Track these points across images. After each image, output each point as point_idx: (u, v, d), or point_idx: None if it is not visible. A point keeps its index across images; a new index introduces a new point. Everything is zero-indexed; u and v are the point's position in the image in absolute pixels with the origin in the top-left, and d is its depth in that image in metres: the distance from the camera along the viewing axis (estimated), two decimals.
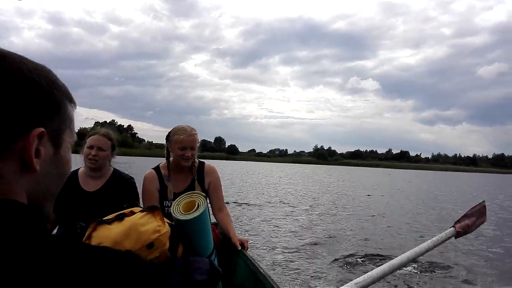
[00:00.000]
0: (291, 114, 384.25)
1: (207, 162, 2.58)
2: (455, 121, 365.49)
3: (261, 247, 6.36)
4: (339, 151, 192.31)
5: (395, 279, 4.96)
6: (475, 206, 2.72)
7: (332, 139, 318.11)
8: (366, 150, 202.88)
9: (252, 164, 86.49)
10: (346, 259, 5.95)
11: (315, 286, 4.57)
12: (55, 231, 2.35)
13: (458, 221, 2.54)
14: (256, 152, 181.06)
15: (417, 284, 4.91)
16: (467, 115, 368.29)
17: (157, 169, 2.46)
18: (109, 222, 1.70)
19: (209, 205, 2.40)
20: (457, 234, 2.47)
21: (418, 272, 5.38)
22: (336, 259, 5.91)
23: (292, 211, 11.08)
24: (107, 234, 1.64)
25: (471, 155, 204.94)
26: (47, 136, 0.50)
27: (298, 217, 10.00)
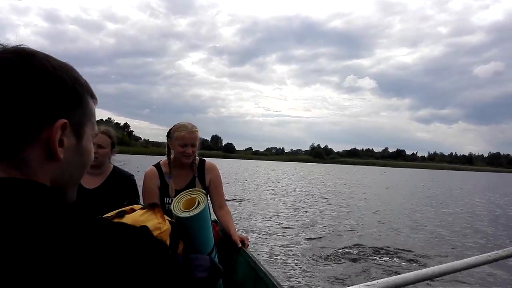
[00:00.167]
0: (288, 113, 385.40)
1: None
2: (451, 120, 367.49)
3: (260, 244, 6.36)
4: (335, 150, 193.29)
5: None
6: None
7: (328, 137, 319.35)
8: (362, 149, 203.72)
9: (249, 162, 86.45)
10: (346, 256, 5.97)
11: (316, 284, 4.56)
12: None
13: None
14: (253, 150, 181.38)
15: None
16: (463, 114, 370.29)
17: (157, 166, 2.45)
18: (109, 219, 1.69)
19: (209, 202, 2.40)
20: None
21: None
22: (335, 256, 5.93)
23: (291, 209, 11.09)
24: None
25: (467, 154, 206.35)
26: (70, 128, 0.55)
27: (296, 215, 10.01)
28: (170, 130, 2.41)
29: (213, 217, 2.51)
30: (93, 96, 0.62)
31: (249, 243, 2.40)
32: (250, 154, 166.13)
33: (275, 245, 6.47)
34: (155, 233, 1.69)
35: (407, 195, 18.34)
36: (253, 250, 5.46)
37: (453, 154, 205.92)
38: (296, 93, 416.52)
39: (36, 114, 0.51)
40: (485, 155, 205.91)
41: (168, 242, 1.75)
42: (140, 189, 2.44)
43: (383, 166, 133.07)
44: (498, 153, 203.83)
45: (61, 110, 0.54)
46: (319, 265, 5.42)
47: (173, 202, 2.02)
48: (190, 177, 2.45)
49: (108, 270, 0.46)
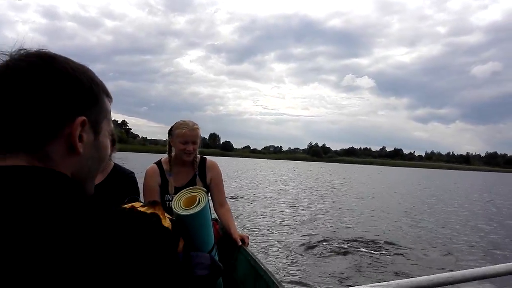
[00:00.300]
0: (286, 111, 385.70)
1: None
2: (448, 120, 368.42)
3: (259, 242, 6.36)
4: (333, 148, 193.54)
5: None
6: None
7: (326, 136, 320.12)
8: (360, 148, 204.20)
9: (247, 160, 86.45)
10: (345, 253, 5.99)
11: (315, 280, 4.57)
12: None
13: None
14: (251, 148, 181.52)
15: None
16: (461, 114, 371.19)
17: (159, 163, 2.45)
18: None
19: (210, 200, 2.39)
20: None
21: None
22: (335, 253, 5.95)
23: (289, 206, 11.11)
24: None
25: (464, 153, 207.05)
26: (88, 124, 0.60)
27: (295, 212, 10.03)
28: (172, 127, 2.41)
29: (214, 215, 2.51)
30: (108, 95, 0.67)
31: (249, 242, 2.41)
32: (248, 152, 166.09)
33: (274, 243, 6.49)
34: None
35: (403, 194, 18.40)
36: (253, 248, 5.48)
37: (451, 153, 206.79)
38: (294, 92, 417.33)
39: (58, 112, 0.56)
40: (482, 154, 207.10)
41: None
42: (140, 186, 2.44)
43: (380, 165, 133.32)
44: (495, 152, 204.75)
45: (80, 109, 0.59)
46: (318, 262, 5.44)
47: (173, 199, 2.01)
48: (191, 174, 2.44)
49: (119, 254, 0.50)
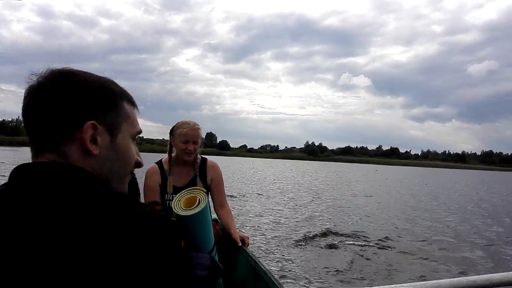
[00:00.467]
0: (283, 110, 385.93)
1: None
2: (444, 118, 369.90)
3: (258, 242, 6.35)
4: (330, 147, 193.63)
5: None
6: None
7: (323, 135, 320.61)
8: (356, 147, 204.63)
9: (244, 160, 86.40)
10: (344, 253, 5.98)
11: (316, 281, 4.56)
12: None
13: None
14: (248, 148, 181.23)
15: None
16: (457, 113, 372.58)
17: (159, 163, 2.44)
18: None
19: (210, 201, 2.39)
20: None
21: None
22: (334, 252, 5.95)
23: (287, 205, 11.11)
24: None
25: (460, 152, 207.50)
26: (103, 127, 0.67)
27: (293, 211, 10.03)
28: (173, 127, 2.42)
29: (214, 215, 2.50)
30: (131, 102, 0.74)
31: (249, 242, 2.40)
32: (244, 151, 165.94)
33: (273, 242, 6.49)
34: None
35: (401, 192, 18.46)
36: (253, 246, 5.46)
37: (446, 152, 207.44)
38: (290, 91, 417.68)
39: (70, 117, 0.65)
40: (478, 153, 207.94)
41: None
42: (141, 186, 2.43)
43: (376, 164, 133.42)
44: (491, 151, 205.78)
45: (91, 113, 0.66)
46: (318, 262, 5.43)
47: (173, 200, 2.00)
48: (191, 175, 2.44)
49: (126, 248, 0.57)
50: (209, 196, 2.44)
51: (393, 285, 1.49)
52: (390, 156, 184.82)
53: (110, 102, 0.70)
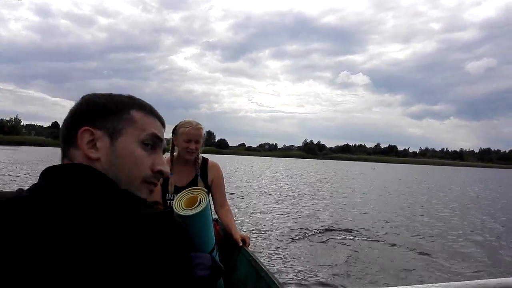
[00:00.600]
0: (281, 108, 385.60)
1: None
2: (443, 116, 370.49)
3: (258, 241, 6.34)
4: (328, 145, 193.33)
5: None
6: None
7: (321, 133, 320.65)
8: (355, 145, 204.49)
9: (242, 158, 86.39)
10: (343, 253, 5.97)
11: (317, 280, 4.54)
12: None
13: None
14: (246, 146, 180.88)
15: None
16: (455, 110, 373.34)
17: None
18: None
19: (211, 201, 2.39)
20: None
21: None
22: (334, 252, 5.94)
23: (286, 203, 11.11)
24: None
25: (458, 150, 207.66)
26: (102, 132, 0.72)
27: (293, 209, 10.03)
28: (176, 126, 2.44)
29: (214, 215, 2.50)
30: (144, 110, 0.78)
31: (250, 242, 2.40)
32: (243, 150, 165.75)
33: (273, 240, 6.48)
34: None
35: (397, 190, 18.49)
36: (252, 243, 5.45)
37: (445, 149, 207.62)
38: (289, 89, 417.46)
39: (70, 125, 0.74)
40: (476, 150, 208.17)
41: None
42: None
43: (375, 161, 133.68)
44: (489, 148, 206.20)
45: (88, 120, 0.73)
46: (320, 260, 5.41)
47: (174, 200, 2.00)
48: (192, 175, 2.45)
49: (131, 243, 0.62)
50: (210, 196, 2.44)
51: (402, 287, 1.48)
52: (389, 153, 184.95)
53: (112, 109, 0.74)
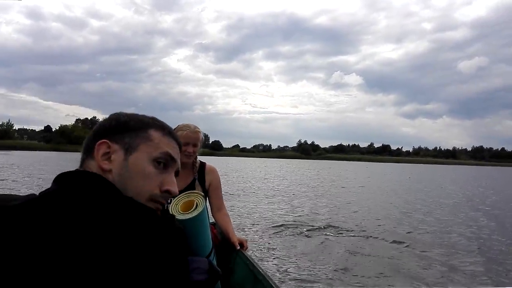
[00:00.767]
0: (275, 109, 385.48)
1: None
2: (435, 115, 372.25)
3: (255, 243, 6.31)
4: (322, 146, 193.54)
5: None
6: None
7: (315, 133, 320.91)
8: (348, 144, 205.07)
9: (236, 159, 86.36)
10: (342, 256, 5.95)
11: (315, 285, 4.52)
12: None
13: None
14: (240, 147, 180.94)
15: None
16: (448, 109, 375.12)
17: None
18: None
19: (208, 205, 2.38)
20: None
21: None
22: (334, 255, 5.92)
23: (282, 204, 11.10)
24: None
25: (451, 148, 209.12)
26: (119, 146, 0.78)
27: (289, 211, 10.03)
28: (174, 129, 2.41)
29: (211, 219, 2.49)
30: (163, 131, 0.84)
31: (247, 246, 2.39)
32: (237, 151, 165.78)
33: (270, 243, 6.46)
34: None
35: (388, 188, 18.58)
36: (253, 253, 5.43)
37: (438, 148, 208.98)
38: (283, 90, 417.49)
39: (91, 138, 0.80)
40: (469, 149, 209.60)
41: None
42: None
43: (368, 161, 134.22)
44: (481, 146, 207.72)
45: (107, 134, 0.79)
46: (317, 263, 5.39)
47: (171, 204, 1.98)
48: (190, 178, 2.43)
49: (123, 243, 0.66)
50: (207, 200, 2.43)
51: None
52: (382, 153, 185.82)
53: (132, 126, 0.80)
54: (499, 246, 6.95)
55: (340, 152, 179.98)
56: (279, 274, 4.80)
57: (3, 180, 14.26)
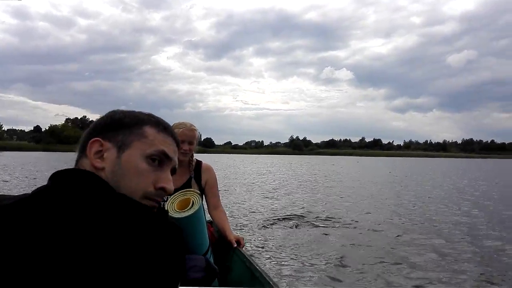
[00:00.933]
0: (266, 106, 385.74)
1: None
2: (425, 108, 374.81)
3: (250, 240, 6.31)
4: (314, 141, 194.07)
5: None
6: None
7: (307, 129, 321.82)
8: (340, 139, 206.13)
9: (228, 156, 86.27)
10: (339, 251, 5.94)
11: (314, 283, 4.51)
12: None
13: None
14: (232, 144, 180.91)
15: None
16: (438, 102, 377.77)
17: None
18: None
19: (204, 203, 2.38)
20: None
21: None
22: (331, 250, 5.90)
23: (275, 202, 11.13)
24: None
25: (441, 141, 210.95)
26: (112, 144, 0.76)
27: (285, 206, 10.05)
28: None
29: (208, 218, 2.49)
30: (158, 127, 0.81)
31: (244, 243, 2.39)
32: (229, 148, 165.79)
33: (266, 240, 6.46)
34: None
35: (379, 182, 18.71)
36: (250, 250, 5.43)
37: (428, 141, 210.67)
38: (273, 86, 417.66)
39: (85, 136, 0.78)
40: (459, 141, 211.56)
41: None
42: None
43: (360, 155, 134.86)
44: (471, 139, 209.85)
45: (100, 132, 0.77)
46: (314, 261, 5.36)
47: (167, 202, 1.98)
48: (186, 177, 2.43)
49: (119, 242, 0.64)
50: (203, 198, 2.43)
51: None
52: (373, 147, 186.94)
53: (126, 123, 0.78)
54: (487, 230, 7.07)
55: (332, 147, 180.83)
56: (275, 269, 4.81)
57: None
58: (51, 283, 0.57)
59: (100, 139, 0.76)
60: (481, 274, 4.87)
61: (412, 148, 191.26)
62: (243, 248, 2.34)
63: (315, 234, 7.03)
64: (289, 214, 9.01)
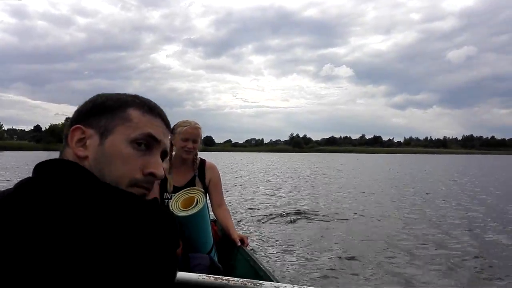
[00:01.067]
0: (266, 103, 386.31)
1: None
2: (425, 105, 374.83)
3: (254, 239, 6.30)
4: (314, 138, 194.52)
5: None
6: None
7: (307, 126, 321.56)
8: (340, 137, 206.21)
9: (229, 154, 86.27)
10: (343, 249, 5.92)
11: (318, 282, 4.50)
12: None
13: None
14: (232, 142, 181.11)
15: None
16: (438, 99, 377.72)
17: None
18: None
19: (208, 202, 2.39)
20: None
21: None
22: (334, 248, 5.88)
23: (279, 200, 11.13)
24: None
25: (441, 138, 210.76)
26: (94, 130, 0.71)
27: (286, 203, 10.05)
28: (174, 126, 2.43)
29: (212, 216, 2.49)
30: (142, 107, 0.75)
31: (248, 242, 2.39)
32: (229, 146, 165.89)
33: (269, 237, 6.45)
34: None
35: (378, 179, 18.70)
36: (255, 249, 5.42)
37: (428, 138, 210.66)
38: (273, 84, 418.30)
39: (71, 124, 0.73)
40: (459, 138, 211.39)
41: None
42: None
43: (360, 152, 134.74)
44: (472, 135, 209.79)
45: (81, 118, 0.73)
46: (317, 259, 5.35)
47: (171, 201, 1.99)
48: (190, 175, 2.44)
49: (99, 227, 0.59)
50: (207, 196, 2.44)
51: None
52: (374, 144, 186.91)
53: (108, 107, 0.72)
54: (487, 225, 7.09)
55: (332, 144, 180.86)
56: (278, 266, 4.80)
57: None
58: (39, 277, 0.54)
59: (82, 126, 0.71)
60: (481, 269, 4.90)
61: (413, 145, 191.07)
62: (247, 247, 2.34)
63: (318, 230, 7.04)
64: (291, 210, 9.01)
